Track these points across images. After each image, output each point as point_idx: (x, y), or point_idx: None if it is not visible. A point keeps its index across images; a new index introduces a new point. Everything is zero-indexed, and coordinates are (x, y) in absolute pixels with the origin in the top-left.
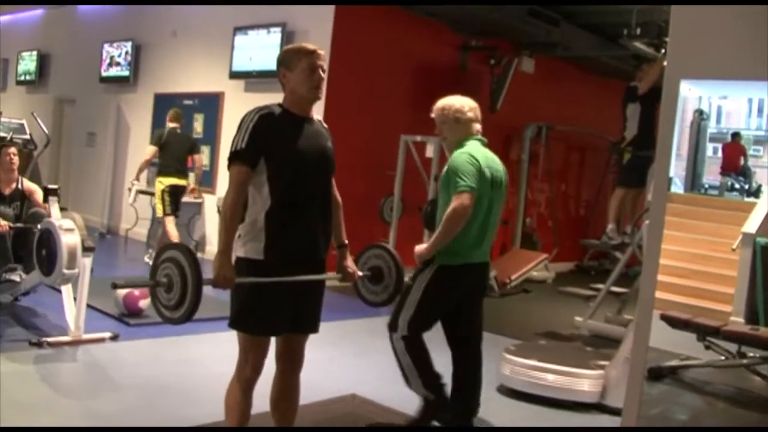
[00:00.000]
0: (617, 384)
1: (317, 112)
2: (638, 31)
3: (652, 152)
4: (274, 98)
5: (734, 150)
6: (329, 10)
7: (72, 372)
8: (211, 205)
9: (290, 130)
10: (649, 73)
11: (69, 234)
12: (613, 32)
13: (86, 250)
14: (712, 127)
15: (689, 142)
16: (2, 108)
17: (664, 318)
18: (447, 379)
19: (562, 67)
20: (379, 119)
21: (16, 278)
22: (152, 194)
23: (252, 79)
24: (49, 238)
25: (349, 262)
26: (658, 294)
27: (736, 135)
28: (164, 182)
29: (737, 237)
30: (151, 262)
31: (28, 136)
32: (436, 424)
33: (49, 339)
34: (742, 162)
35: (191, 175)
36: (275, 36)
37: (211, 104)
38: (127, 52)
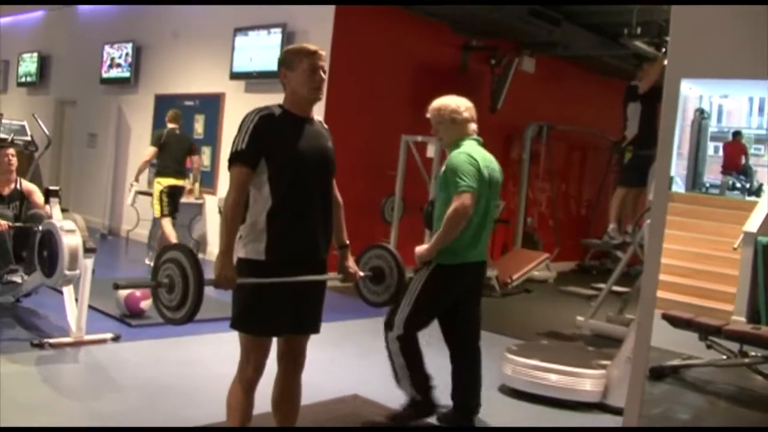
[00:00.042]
0: (619, 383)
1: (318, 112)
2: (639, 30)
3: (653, 151)
4: (274, 99)
5: (735, 149)
6: (329, 10)
7: (73, 373)
8: (212, 205)
9: (290, 130)
10: (649, 73)
11: (70, 235)
12: (614, 31)
13: (87, 251)
14: (713, 126)
15: (690, 141)
16: (3, 110)
17: (666, 317)
18: (445, 379)
19: (562, 67)
20: (380, 119)
21: (18, 279)
22: (151, 195)
23: (252, 79)
24: (50, 240)
25: (351, 263)
26: (660, 293)
27: (737, 134)
28: (162, 183)
29: (738, 236)
30: (151, 264)
31: (29, 138)
32: (436, 424)
33: (51, 340)
34: (743, 161)
35: (190, 176)
36: (276, 37)
37: (211, 105)
38: (127, 54)
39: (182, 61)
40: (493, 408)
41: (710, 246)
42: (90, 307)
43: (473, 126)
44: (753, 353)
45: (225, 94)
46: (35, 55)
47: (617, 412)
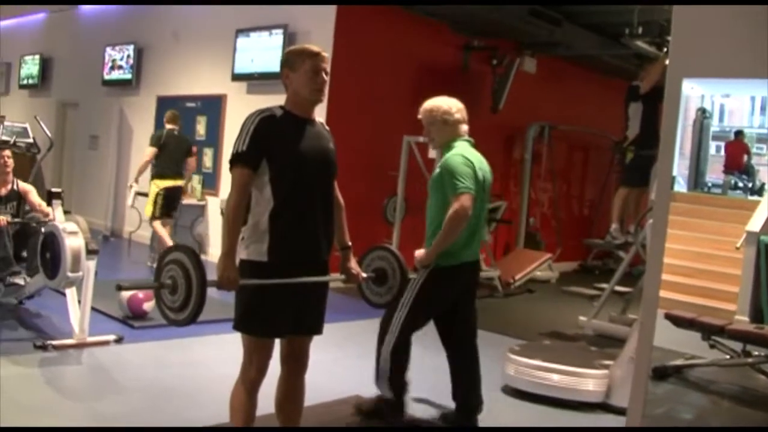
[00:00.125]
0: (622, 383)
1: (319, 113)
2: (640, 30)
3: (654, 151)
4: (276, 100)
5: (737, 148)
6: (331, 10)
7: (76, 375)
8: (214, 207)
9: (292, 131)
10: (651, 72)
11: (73, 237)
12: (615, 31)
13: (90, 253)
14: (714, 126)
15: (692, 141)
16: (5, 112)
17: (669, 317)
18: (445, 379)
19: (564, 67)
20: (381, 120)
21: (21, 282)
22: None
23: (254, 81)
24: (53, 242)
25: (353, 264)
26: (662, 293)
27: (739, 133)
28: (160, 185)
29: (741, 235)
30: (153, 266)
31: (31, 140)
32: (436, 424)
33: (54, 342)
34: (745, 160)
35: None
36: (277, 38)
37: (213, 106)
38: (129, 55)
39: (184, 63)
40: (495, 408)
41: (713, 245)
42: (93, 308)
43: (465, 127)
44: (756, 353)
45: (227, 96)
46: (37, 57)
47: (620, 412)
